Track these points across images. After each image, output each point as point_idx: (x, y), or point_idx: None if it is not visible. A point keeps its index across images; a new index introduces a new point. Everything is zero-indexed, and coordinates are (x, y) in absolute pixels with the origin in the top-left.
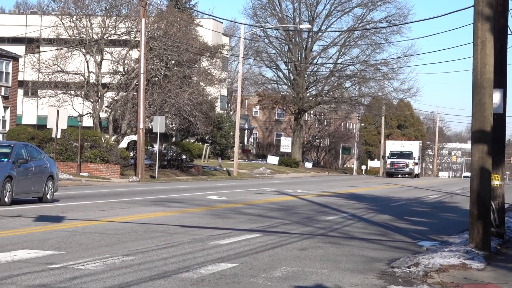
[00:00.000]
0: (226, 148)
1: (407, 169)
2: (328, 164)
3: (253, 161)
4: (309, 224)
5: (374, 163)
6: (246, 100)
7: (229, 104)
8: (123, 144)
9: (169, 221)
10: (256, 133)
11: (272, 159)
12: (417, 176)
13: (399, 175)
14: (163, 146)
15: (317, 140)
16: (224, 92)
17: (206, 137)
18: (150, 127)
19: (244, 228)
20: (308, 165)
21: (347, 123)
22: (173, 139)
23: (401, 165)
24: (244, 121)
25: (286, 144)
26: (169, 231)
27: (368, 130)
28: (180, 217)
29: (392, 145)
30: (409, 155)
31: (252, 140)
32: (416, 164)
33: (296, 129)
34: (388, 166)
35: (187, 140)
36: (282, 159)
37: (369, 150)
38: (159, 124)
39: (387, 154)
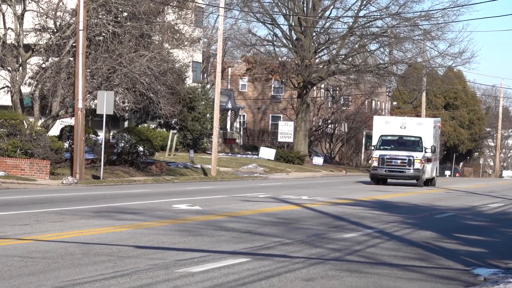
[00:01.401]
0: (201, 136)
1: (411, 170)
2: (345, 159)
3: (239, 155)
4: (318, 244)
5: None
6: (230, 69)
7: (206, 75)
8: (55, 130)
9: (120, 239)
10: (244, 116)
11: (267, 153)
12: (431, 182)
13: (397, 179)
14: (111, 134)
15: (330, 126)
16: (198, 57)
17: (173, 121)
18: (93, 106)
19: (226, 249)
20: (318, 160)
21: (373, 102)
22: (126, 124)
23: (399, 162)
24: (227, 98)
25: (286, 131)
26: (119, 254)
27: (403, 111)
28: (135, 234)
29: (385, 125)
30: (415, 144)
31: (239, 126)
32: (429, 160)
33: (301, 109)
34: (375, 164)
35: (146, 125)
36: (281, 153)
37: None
38: (105, 103)
39: (374, 141)
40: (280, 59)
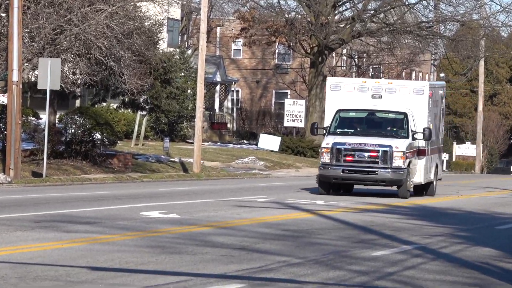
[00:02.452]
0: (180, 120)
1: (387, 170)
2: None
3: (232, 145)
4: (337, 266)
5: (465, 149)
6: (219, 29)
7: (186, 37)
8: None
9: (69, 258)
10: (238, 92)
11: (269, 141)
12: (427, 190)
13: (365, 185)
14: (58, 117)
15: None
16: (176, 13)
17: (141, 100)
18: (34, 79)
19: (213, 272)
20: None
21: (413, 73)
22: (78, 103)
23: (366, 156)
24: (215, 68)
25: (295, 112)
26: (68, 278)
27: (454, 86)
28: (90, 252)
29: (346, 94)
30: (396, 126)
31: (231, 106)
32: (422, 153)
33: (315, 83)
34: (326, 158)
35: (104, 105)
36: (288, 142)
37: (456, 124)
38: (49, 74)
39: (327, 120)
40: (287, 15)
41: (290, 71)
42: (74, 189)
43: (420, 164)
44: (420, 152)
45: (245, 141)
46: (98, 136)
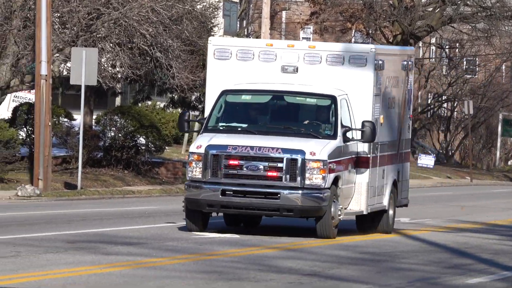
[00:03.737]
0: None
1: (298, 190)
2: (470, 159)
3: None
4: None
5: None
6: (284, 13)
7: (246, 23)
8: (3, 110)
9: (109, 285)
10: None
11: None
12: (378, 222)
13: (254, 212)
14: (94, 118)
15: (445, 105)
16: None
17: (193, 97)
18: (66, 73)
19: None
20: (426, 161)
21: None
22: (118, 102)
23: (260, 168)
24: None
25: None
26: None
27: None
28: (134, 278)
29: (243, 66)
30: (318, 118)
31: None
32: (363, 162)
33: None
34: (195, 171)
35: (150, 103)
36: None
37: None
38: (84, 67)
39: (207, 109)
40: None
41: None
42: (114, 204)
43: (360, 182)
44: (360, 162)
45: None
46: (142, 140)
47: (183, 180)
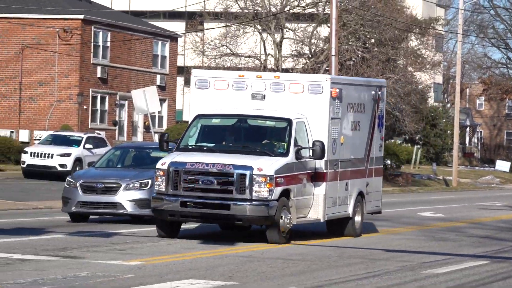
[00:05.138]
0: (442, 151)
1: (246, 202)
2: None
3: (477, 168)
4: None
5: None
6: (468, 90)
7: (445, 95)
8: None
9: (371, 243)
10: (481, 132)
11: (502, 165)
12: (345, 228)
13: (208, 221)
14: None
15: None
16: (439, 79)
17: (416, 137)
18: None
19: (467, 253)
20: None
21: None
22: None
23: (213, 182)
24: (465, 116)
25: None
26: (370, 257)
27: None
28: (385, 239)
29: (220, 95)
30: (276, 138)
31: (476, 141)
32: (319, 178)
33: None
34: (161, 185)
35: (392, 141)
36: None
37: None
38: None
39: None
40: None
41: None
42: None
43: (317, 193)
44: (317, 177)
45: (486, 165)
46: (388, 162)
47: (412, 184)
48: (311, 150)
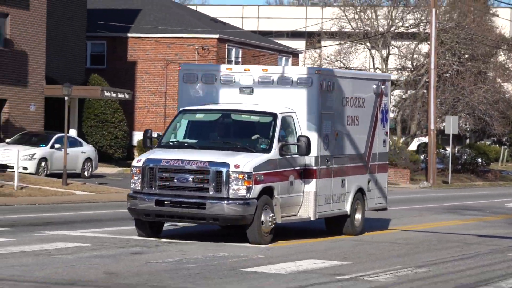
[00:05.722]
0: None
1: (222, 200)
2: None
3: None
4: None
5: None
6: None
7: None
8: (412, 146)
9: (465, 229)
10: None
11: None
12: (343, 225)
13: (185, 221)
14: (456, 149)
15: None
16: None
17: (504, 139)
18: (442, 128)
19: None
20: None
21: None
22: (467, 141)
23: (190, 179)
24: None
25: None
26: (465, 241)
27: None
28: (477, 226)
29: (207, 89)
30: (262, 133)
31: None
32: (308, 175)
33: None
34: (137, 183)
35: (482, 142)
36: None
37: None
38: (451, 125)
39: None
40: None
41: None
42: (466, 191)
43: (308, 191)
44: (307, 174)
45: None
46: (479, 160)
47: (500, 179)
48: (295, 146)
